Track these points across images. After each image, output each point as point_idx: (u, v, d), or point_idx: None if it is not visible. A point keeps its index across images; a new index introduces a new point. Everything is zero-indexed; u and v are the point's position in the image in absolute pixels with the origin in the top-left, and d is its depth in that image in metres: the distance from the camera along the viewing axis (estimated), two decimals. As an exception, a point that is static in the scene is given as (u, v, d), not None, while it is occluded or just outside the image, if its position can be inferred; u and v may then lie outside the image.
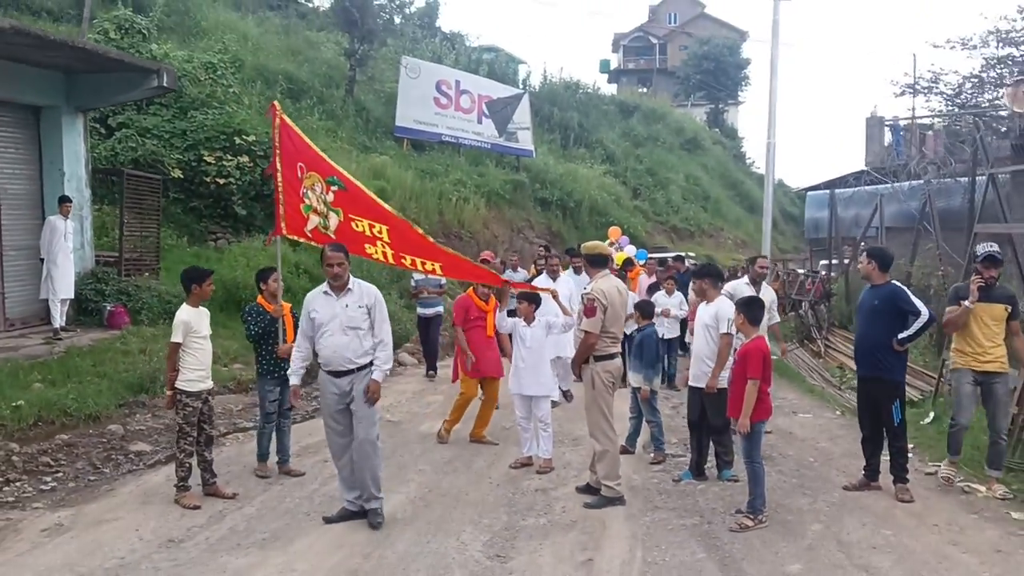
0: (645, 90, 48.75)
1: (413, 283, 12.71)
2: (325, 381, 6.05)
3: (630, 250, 18.14)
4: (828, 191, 19.24)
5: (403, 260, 7.02)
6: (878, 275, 6.87)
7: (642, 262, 15.78)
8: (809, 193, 22.43)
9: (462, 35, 37.83)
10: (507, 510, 6.41)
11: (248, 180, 15.32)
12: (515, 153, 27.05)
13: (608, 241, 18.06)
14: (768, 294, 8.60)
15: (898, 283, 7.04)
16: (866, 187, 17.15)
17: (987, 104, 22.70)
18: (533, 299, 7.65)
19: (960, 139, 21.15)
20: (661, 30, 60.10)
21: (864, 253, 6.78)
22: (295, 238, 7.29)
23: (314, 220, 6.97)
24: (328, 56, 26.03)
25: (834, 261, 18.07)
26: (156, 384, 9.58)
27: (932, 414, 9.08)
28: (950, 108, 22.86)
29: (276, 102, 7.30)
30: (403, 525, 6.02)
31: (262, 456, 7.29)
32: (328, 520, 6.01)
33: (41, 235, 10.97)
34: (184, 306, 6.55)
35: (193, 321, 6.44)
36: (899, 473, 6.67)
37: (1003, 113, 22.11)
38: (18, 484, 6.84)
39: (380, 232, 6.89)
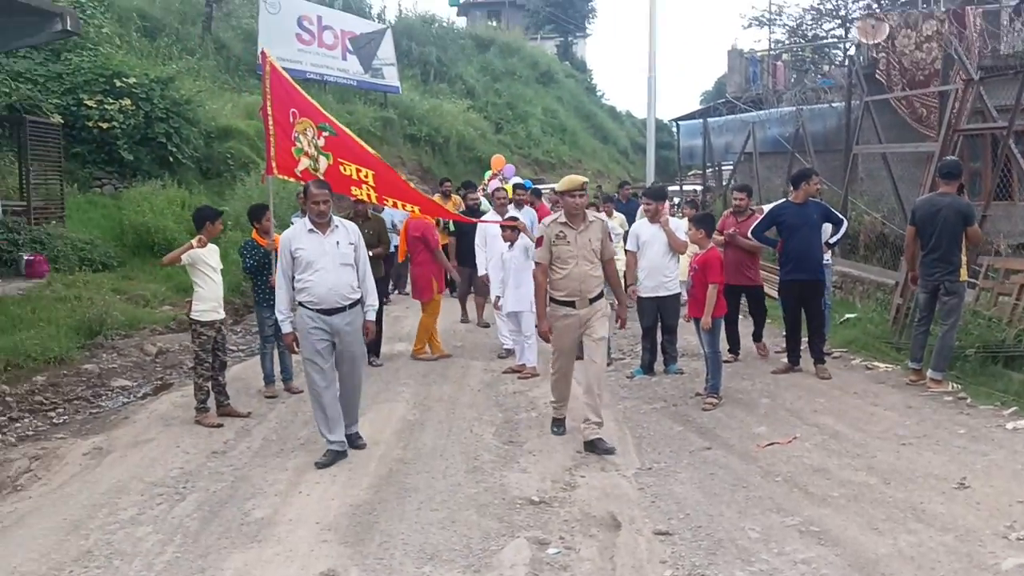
0: (496, 24, 49.17)
1: None
2: (311, 319, 5.82)
3: (517, 180, 18.82)
4: (701, 120, 20.77)
5: (385, 201, 7.95)
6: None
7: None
8: (682, 123, 23.98)
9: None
10: (499, 409, 7.27)
11: (132, 124, 15.08)
12: (382, 90, 27.18)
13: (491, 173, 18.55)
14: None
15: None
16: (741, 115, 18.66)
17: (825, 35, 24.71)
18: (515, 227, 8.54)
19: (804, 68, 23.11)
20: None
21: (814, 175, 8.01)
22: (285, 178, 7.75)
23: (304, 162, 7.47)
24: (182, -9, 25.14)
25: (711, 184, 19.73)
26: (105, 326, 9.82)
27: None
28: (792, 40, 24.74)
29: (266, 49, 7.65)
30: (419, 425, 6.79)
31: (268, 379, 7.80)
32: (320, 465, 5.75)
33: (-46, 185, 10.76)
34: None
35: (205, 255, 6.86)
36: (820, 356, 7.97)
37: (839, 44, 24.28)
38: (26, 421, 7.13)
39: (366, 176, 7.57)
